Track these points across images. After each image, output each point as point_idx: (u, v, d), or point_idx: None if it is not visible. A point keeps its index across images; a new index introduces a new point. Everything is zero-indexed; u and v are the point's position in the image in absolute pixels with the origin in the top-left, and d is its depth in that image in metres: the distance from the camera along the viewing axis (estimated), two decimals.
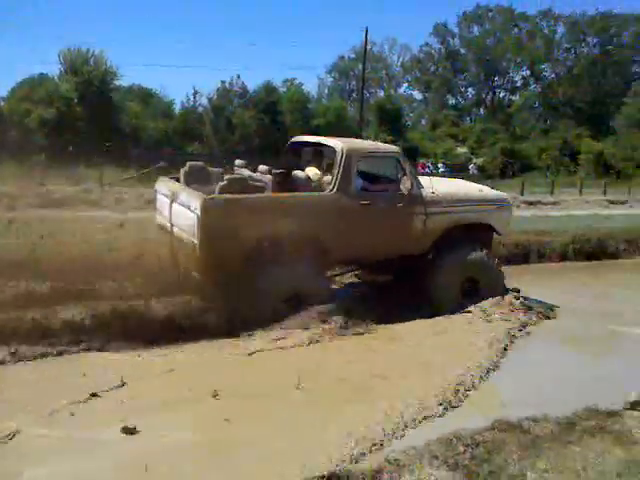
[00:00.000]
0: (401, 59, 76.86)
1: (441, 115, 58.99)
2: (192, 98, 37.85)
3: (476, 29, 73.94)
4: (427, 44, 74.66)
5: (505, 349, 6.54)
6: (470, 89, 76.42)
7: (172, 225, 8.06)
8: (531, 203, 26.91)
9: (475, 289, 8.66)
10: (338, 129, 39.00)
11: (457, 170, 38.04)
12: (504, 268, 9.33)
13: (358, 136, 40.81)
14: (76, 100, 33.16)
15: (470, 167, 41.84)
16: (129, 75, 75.13)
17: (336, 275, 9.30)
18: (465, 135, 51.56)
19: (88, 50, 34.75)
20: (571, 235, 14.88)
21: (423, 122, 64.66)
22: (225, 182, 7.77)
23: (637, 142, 51.04)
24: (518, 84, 74.76)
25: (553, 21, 71.30)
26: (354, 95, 67.65)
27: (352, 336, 7.21)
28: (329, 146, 8.58)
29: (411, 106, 73.46)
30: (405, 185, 8.30)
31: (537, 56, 69.73)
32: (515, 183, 33.95)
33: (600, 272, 13.31)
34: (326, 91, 71.39)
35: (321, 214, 7.78)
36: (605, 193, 32.76)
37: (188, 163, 9.08)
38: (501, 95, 76.10)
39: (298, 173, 8.49)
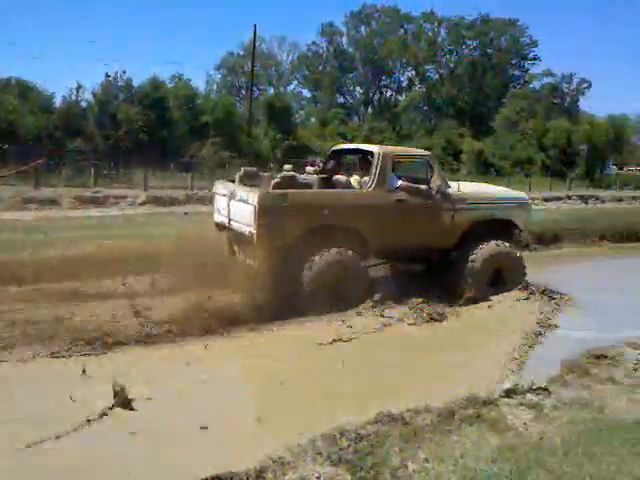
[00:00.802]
0: (290, 57, 77.20)
1: (330, 113, 59.62)
2: (75, 92, 36.21)
3: (363, 29, 75.24)
4: (315, 43, 75.35)
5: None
6: (358, 88, 77.81)
7: (230, 220, 9.05)
8: None
9: (501, 278, 9.62)
10: (227, 126, 38.66)
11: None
12: None
13: (247, 134, 40.74)
14: None
15: None
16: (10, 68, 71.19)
17: (373, 265, 9.78)
18: (354, 134, 52.37)
19: None
20: None
21: (313, 120, 65.11)
22: (278, 179, 9.00)
23: (513, 142, 53.73)
24: (404, 84, 76.82)
25: (436, 23, 73.70)
26: (243, 92, 67.26)
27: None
28: (367, 150, 9.83)
29: (301, 104, 73.87)
30: (435, 184, 9.37)
31: (421, 57, 71.87)
32: None
33: None
34: (215, 87, 70.53)
35: (360, 208, 8.79)
36: None
37: (242, 168, 10.14)
38: (388, 95, 77.93)
39: (339, 177, 9.77)
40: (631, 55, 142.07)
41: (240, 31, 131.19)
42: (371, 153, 9.40)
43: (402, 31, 73.72)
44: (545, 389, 4.95)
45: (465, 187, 9.95)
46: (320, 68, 75.49)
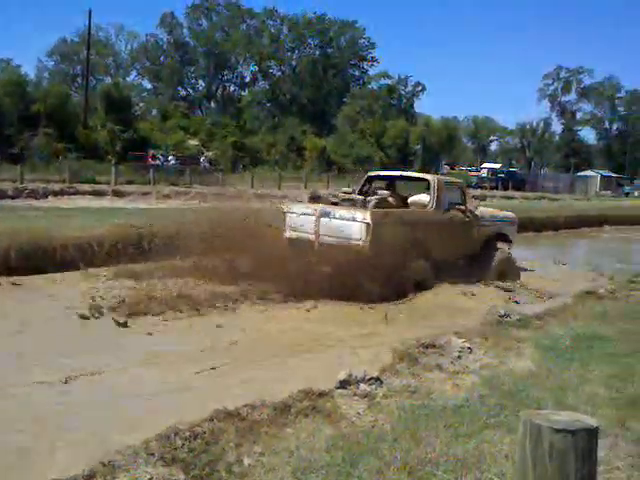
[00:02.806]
0: (129, 46, 74.75)
1: (172, 106, 58.43)
2: None
3: (204, 22, 74.37)
4: (154, 33, 73.47)
5: None
6: (201, 82, 76.88)
7: (318, 235, 10.48)
8: (261, 196, 27.89)
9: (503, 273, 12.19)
10: (61, 116, 36.72)
11: (188, 163, 37.89)
12: None
13: (83, 124, 38.91)
14: None
15: (201, 160, 41.99)
16: None
17: None
18: (196, 127, 51.69)
19: None
20: None
21: (154, 112, 63.47)
22: (376, 201, 11.15)
23: (354, 140, 55.52)
24: (247, 79, 76.89)
25: (278, 20, 74.43)
26: (79, 81, 64.19)
27: None
28: (423, 179, 12.39)
29: (141, 95, 71.76)
30: (470, 205, 12.09)
31: (264, 53, 72.27)
32: (246, 177, 34.90)
33: None
34: (47, 75, 66.73)
35: (428, 224, 10.85)
36: (328, 187, 35.10)
37: (310, 191, 12.57)
38: (231, 89, 77.65)
39: (415, 199, 11.94)
40: (462, 61, 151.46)
41: (74, 16, 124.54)
42: (428, 182, 11.82)
43: (244, 26, 73.67)
44: (377, 379, 5.15)
45: (480, 210, 12.85)
46: (161, 59, 73.72)
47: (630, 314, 8.27)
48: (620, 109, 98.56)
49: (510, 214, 14.20)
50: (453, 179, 13.94)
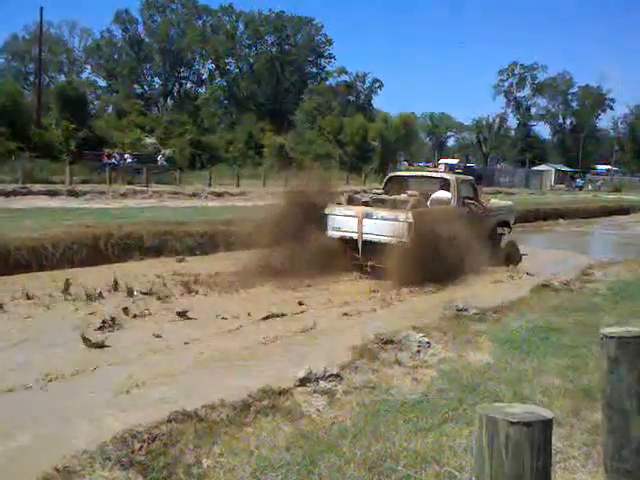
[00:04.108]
0: (83, 43, 73.46)
1: (128, 104, 57.56)
2: None
3: (159, 18, 73.46)
4: (109, 30, 72.32)
5: None
6: (157, 79, 75.98)
7: (362, 233, 11.66)
8: (219, 194, 27.69)
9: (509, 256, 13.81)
10: (13, 115, 35.93)
11: (145, 161, 37.37)
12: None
13: (37, 123, 38.12)
14: None
15: (159, 158, 41.47)
16: None
17: None
18: (153, 125, 51.04)
19: None
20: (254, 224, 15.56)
21: (109, 110, 62.48)
22: (414, 201, 12.20)
23: (313, 137, 55.50)
24: (204, 77, 76.26)
25: (234, 17, 73.94)
26: (32, 79, 62.86)
27: None
28: (443, 178, 13.80)
29: (96, 93, 70.60)
30: (482, 199, 13.96)
31: (221, 50, 71.76)
32: (204, 174, 34.61)
33: None
34: None
35: (453, 218, 11.74)
36: (287, 184, 34.95)
37: (345, 193, 13.95)
38: (188, 87, 76.92)
39: (439, 196, 13.02)
40: (419, 58, 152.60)
41: (25, 13, 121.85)
42: (448, 180, 13.33)
43: (200, 23, 73.03)
44: (337, 375, 5.15)
45: (489, 202, 14.62)
46: (116, 57, 72.63)
47: (584, 306, 8.43)
48: (573, 104, 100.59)
49: (509, 203, 16.80)
50: (465, 177, 15.31)
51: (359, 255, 11.74)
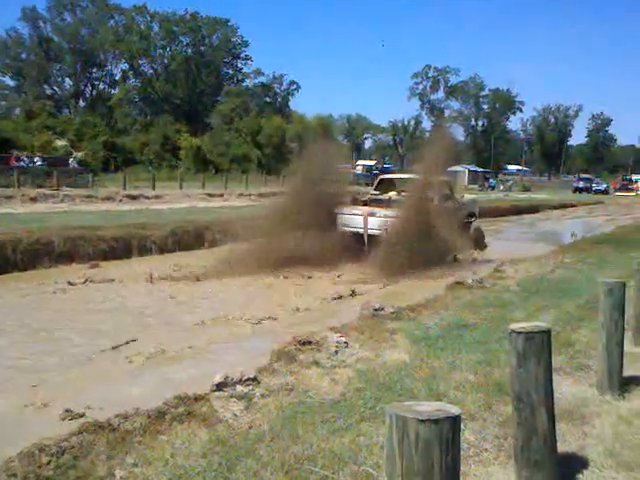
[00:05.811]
0: None
1: (37, 105, 55.51)
2: None
3: (69, 17, 71.18)
4: (15, 28, 69.49)
5: None
6: (68, 79, 73.63)
7: (367, 229, 13.98)
8: (134, 197, 27.07)
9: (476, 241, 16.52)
10: None
11: (55, 164, 36.07)
12: None
13: None
14: None
15: (70, 161, 40.13)
16: None
17: None
18: (64, 127, 49.41)
19: None
20: (171, 227, 15.37)
21: (17, 112, 60.06)
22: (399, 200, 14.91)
23: (230, 139, 55.09)
24: (118, 77, 74.45)
25: (148, 17, 72.50)
26: None
27: None
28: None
29: (2, 93, 67.78)
30: (459, 195, 17.11)
31: (135, 51, 70.24)
32: (118, 177, 33.78)
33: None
34: None
35: (437, 213, 13.51)
36: (204, 187, 34.59)
37: (353, 197, 15.76)
38: (101, 87, 74.91)
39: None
40: (337, 60, 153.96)
41: None
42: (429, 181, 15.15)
43: (113, 22, 71.22)
44: (254, 379, 5.10)
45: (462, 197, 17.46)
46: (23, 56, 69.89)
47: (496, 302, 8.68)
48: (484, 107, 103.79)
49: (474, 196, 21.38)
50: (444, 178, 16.93)
51: (365, 247, 13.83)
